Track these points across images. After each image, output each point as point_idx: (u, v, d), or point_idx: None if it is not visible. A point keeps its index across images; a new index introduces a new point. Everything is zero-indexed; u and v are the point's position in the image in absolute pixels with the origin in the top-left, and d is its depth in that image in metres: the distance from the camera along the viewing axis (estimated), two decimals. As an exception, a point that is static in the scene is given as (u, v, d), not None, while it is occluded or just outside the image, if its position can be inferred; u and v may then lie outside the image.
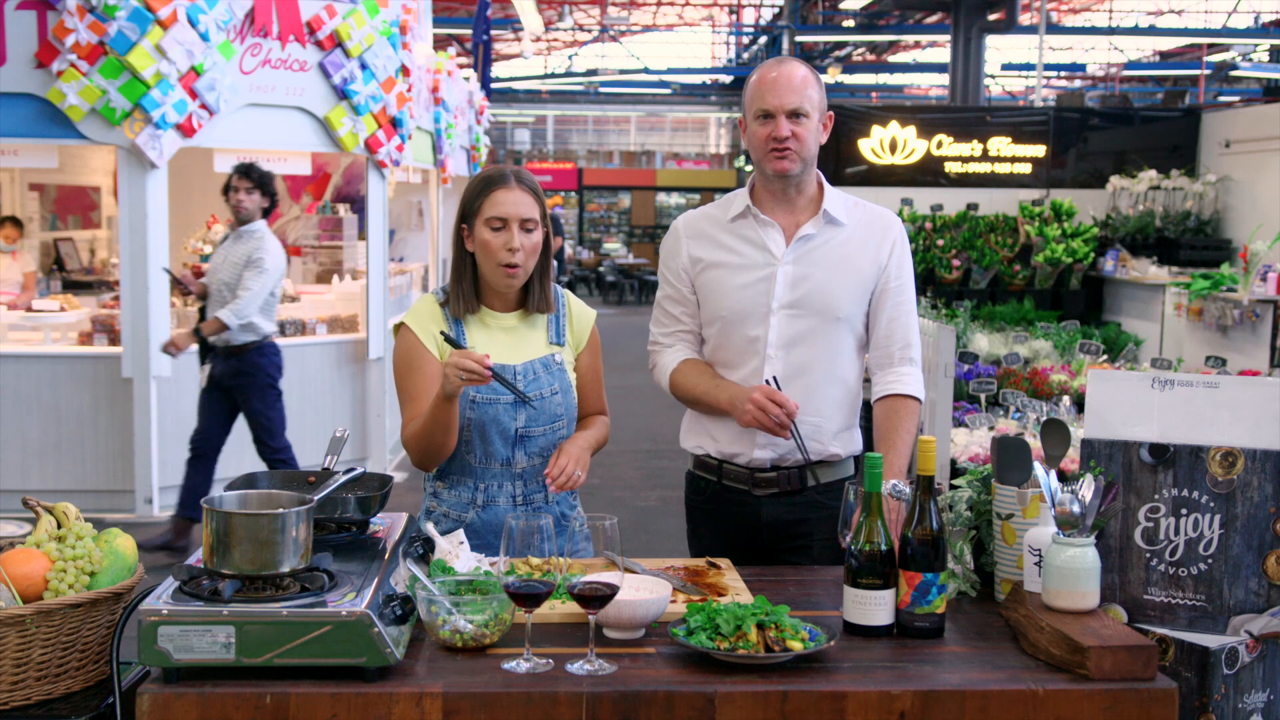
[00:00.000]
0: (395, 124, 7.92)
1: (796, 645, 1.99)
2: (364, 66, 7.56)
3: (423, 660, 2.00)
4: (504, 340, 2.72)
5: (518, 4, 15.56)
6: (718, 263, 2.83)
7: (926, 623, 2.14)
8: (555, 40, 28.41)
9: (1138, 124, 10.55)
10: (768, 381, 2.71)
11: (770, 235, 2.80)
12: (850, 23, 22.28)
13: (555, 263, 2.84)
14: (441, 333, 2.66)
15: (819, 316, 2.77)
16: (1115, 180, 9.51)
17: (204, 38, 6.70)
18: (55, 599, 1.98)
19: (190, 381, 7.11)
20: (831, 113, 2.80)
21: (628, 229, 29.88)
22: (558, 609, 2.20)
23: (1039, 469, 2.22)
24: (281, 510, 2.00)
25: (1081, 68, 26.86)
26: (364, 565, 2.15)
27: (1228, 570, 2.18)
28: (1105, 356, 5.63)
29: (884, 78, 29.59)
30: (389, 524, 2.43)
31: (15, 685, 1.94)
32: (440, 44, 18.13)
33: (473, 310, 2.72)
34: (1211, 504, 2.18)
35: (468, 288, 2.72)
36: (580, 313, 2.85)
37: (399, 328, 2.75)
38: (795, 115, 2.70)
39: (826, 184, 2.84)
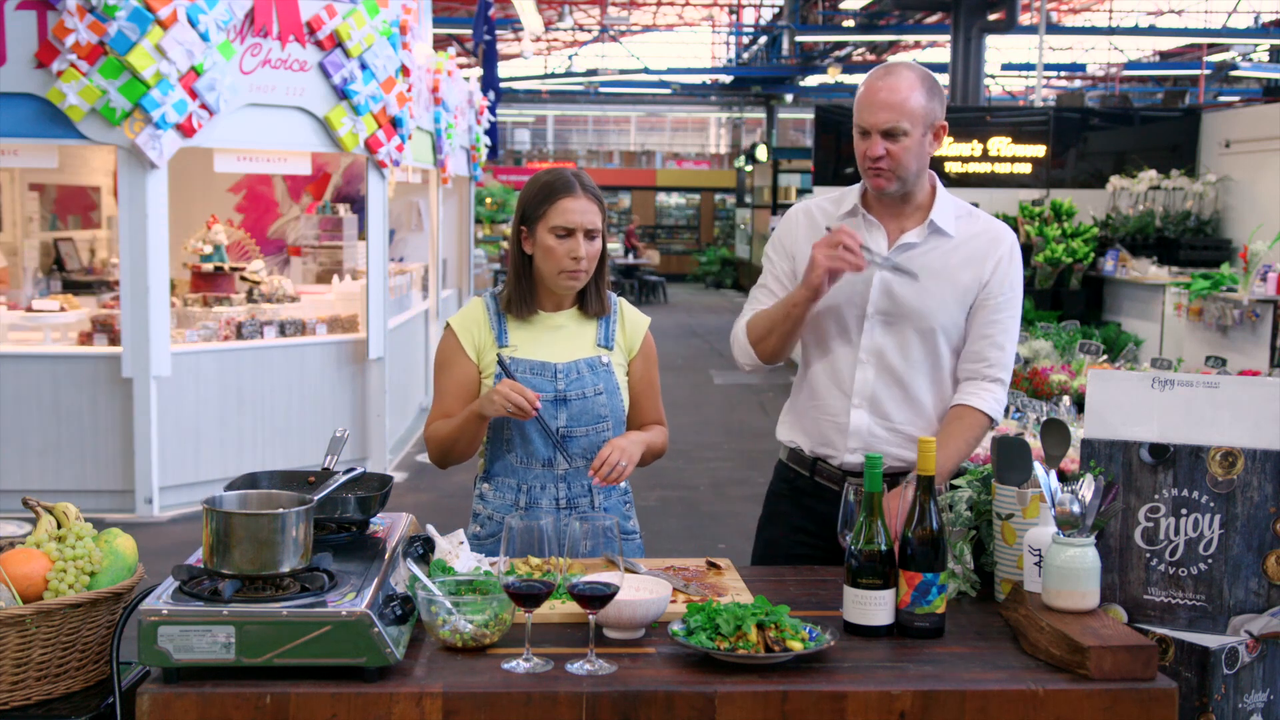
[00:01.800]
0: (395, 124, 7.92)
1: (796, 645, 1.99)
2: (364, 66, 7.56)
3: (423, 660, 2.00)
4: (548, 339, 2.73)
5: (518, 4, 15.54)
6: None
7: (926, 623, 2.14)
8: (555, 40, 28.41)
9: (1138, 124, 10.56)
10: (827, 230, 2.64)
11: (874, 237, 2.74)
12: (850, 23, 22.24)
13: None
14: (498, 356, 2.66)
15: (912, 324, 2.72)
16: (1115, 180, 9.52)
17: (204, 38, 6.69)
18: (55, 599, 1.98)
19: (191, 381, 7.12)
20: (945, 123, 2.68)
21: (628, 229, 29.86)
22: (558, 609, 2.20)
23: (1039, 469, 2.22)
24: (281, 510, 2.00)
25: (1081, 68, 26.84)
26: (364, 565, 2.15)
27: (1228, 570, 2.17)
28: (1105, 356, 5.63)
29: (884, 78, 29.51)
30: (389, 524, 2.43)
31: (15, 685, 1.94)
32: (440, 44, 18.13)
33: (530, 313, 2.73)
34: (1211, 504, 2.18)
35: (526, 289, 2.73)
36: (633, 319, 2.84)
37: (446, 326, 2.79)
38: (890, 134, 2.61)
39: (941, 190, 2.76)
